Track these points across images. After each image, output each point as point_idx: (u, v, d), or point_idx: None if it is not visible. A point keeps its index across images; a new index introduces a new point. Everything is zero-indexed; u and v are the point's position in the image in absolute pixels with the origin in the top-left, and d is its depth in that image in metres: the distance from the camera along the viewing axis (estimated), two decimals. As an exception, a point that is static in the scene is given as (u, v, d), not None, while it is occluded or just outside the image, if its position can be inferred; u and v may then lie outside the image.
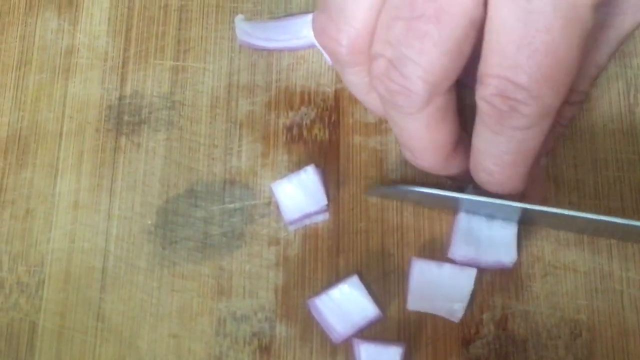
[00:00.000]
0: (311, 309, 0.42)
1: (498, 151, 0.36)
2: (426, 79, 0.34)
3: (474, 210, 0.41)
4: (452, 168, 0.40)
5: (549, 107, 0.33)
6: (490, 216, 0.41)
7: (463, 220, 0.42)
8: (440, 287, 0.41)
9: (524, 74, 0.32)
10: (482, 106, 0.34)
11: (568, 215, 0.39)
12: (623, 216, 0.42)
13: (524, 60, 0.32)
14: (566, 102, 0.36)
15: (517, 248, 0.41)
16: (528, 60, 0.31)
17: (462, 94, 0.38)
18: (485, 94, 0.33)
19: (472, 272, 0.41)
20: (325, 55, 0.47)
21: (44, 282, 0.45)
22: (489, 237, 0.42)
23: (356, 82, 0.39)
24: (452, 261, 0.42)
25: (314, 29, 0.37)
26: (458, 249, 0.42)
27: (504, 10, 0.31)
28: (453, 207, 0.42)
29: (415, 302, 0.41)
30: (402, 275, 0.42)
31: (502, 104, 0.33)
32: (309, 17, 0.48)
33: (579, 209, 0.40)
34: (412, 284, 0.41)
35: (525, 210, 0.39)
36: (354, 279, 0.42)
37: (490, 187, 0.38)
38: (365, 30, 0.35)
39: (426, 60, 0.33)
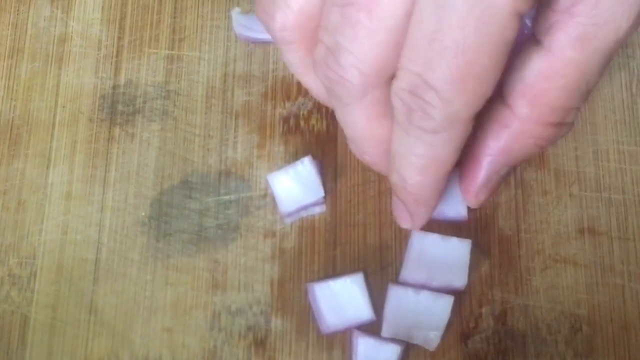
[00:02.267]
0: (309, 294, 0.42)
1: (409, 154, 0.35)
2: (361, 69, 0.33)
3: None
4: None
5: (457, 114, 0.32)
6: None
7: (416, 241, 0.41)
8: (416, 315, 0.40)
9: (434, 72, 0.31)
10: (394, 102, 0.33)
11: None
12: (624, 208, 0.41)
13: (435, 58, 0.30)
14: (551, 122, 0.35)
15: (468, 271, 0.41)
16: (438, 58, 0.30)
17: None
18: (398, 88, 0.32)
19: (449, 300, 0.40)
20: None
21: (35, 274, 0.44)
22: (442, 257, 0.41)
23: (291, 60, 0.38)
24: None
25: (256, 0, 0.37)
26: (409, 273, 0.41)
27: (421, 3, 0.30)
28: None
29: (390, 329, 0.40)
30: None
31: (412, 102, 0.32)
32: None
33: (580, 202, 0.40)
34: (387, 311, 0.40)
35: None
36: (359, 277, 0.41)
37: (404, 195, 0.38)
38: (301, 13, 0.35)
39: (359, 49, 0.32)
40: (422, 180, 0.36)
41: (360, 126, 0.36)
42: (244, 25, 0.47)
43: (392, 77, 0.33)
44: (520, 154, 0.37)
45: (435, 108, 0.32)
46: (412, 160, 0.35)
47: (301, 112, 0.46)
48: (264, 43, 0.47)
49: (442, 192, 0.38)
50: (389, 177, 0.38)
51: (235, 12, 0.48)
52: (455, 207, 0.42)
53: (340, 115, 0.37)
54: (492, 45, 0.30)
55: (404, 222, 0.41)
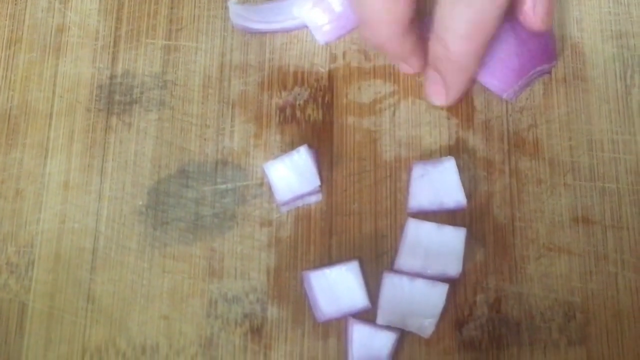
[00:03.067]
0: (304, 282, 0.42)
1: (456, 22, 0.37)
2: None
3: None
4: (406, 48, 0.41)
5: None
6: None
7: (411, 228, 0.41)
8: (411, 303, 0.40)
9: None
10: None
11: None
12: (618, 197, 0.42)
13: None
14: None
15: (463, 259, 0.41)
16: None
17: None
18: None
19: (444, 288, 0.40)
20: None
21: (33, 262, 0.44)
22: (437, 246, 0.41)
23: None
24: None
25: None
26: (404, 261, 0.41)
27: None
28: None
29: (385, 316, 0.41)
30: (395, 257, 0.42)
31: None
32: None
33: (574, 191, 0.40)
34: (382, 299, 0.41)
35: None
36: (354, 265, 0.42)
37: (446, 65, 0.40)
38: None
39: None
40: (467, 47, 0.38)
41: (379, 7, 0.38)
42: (240, 15, 0.47)
43: None
44: None
45: None
46: (459, 28, 0.37)
47: (297, 102, 0.46)
48: (260, 33, 0.47)
49: (481, 60, 0.40)
50: (431, 52, 0.40)
51: (232, 3, 0.48)
52: (455, 197, 0.42)
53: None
54: None
55: (438, 98, 0.43)
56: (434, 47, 0.40)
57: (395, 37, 0.40)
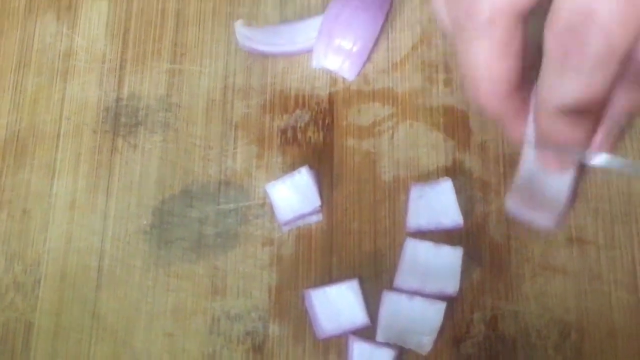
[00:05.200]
0: (305, 300, 0.43)
1: (561, 94, 0.35)
2: None
3: None
4: (510, 111, 0.39)
5: (618, 47, 0.32)
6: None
7: (410, 247, 0.42)
8: (410, 321, 0.41)
9: (598, 6, 0.31)
10: (549, 42, 0.34)
11: None
12: (611, 218, 0.42)
13: None
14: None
15: (460, 278, 0.42)
16: None
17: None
18: (555, 26, 0.33)
19: (442, 306, 0.41)
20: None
21: (40, 281, 0.45)
22: (435, 265, 0.42)
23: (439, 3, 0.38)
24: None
25: None
26: (403, 280, 0.42)
27: None
28: None
29: (385, 334, 0.42)
30: (394, 275, 0.43)
31: (570, 39, 0.32)
32: (308, 22, 0.48)
33: (568, 212, 0.40)
34: (381, 317, 0.42)
35: None
36: (354, 284, 0.42)
37: (552, 136, 0.37)
38: None
39: None
40: (576, 121, 0.36)
41: (481, 63, 0.36)
42: (247, 36, 0.49)
43: (522, 13, 0.34)
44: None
45: (596, 43, 0.32)
46: (567, 101, 0.35)
47: (298, 124, 0.47)
48: (265, 55, 0.49)
49: (594, 131, 0.37)
50: (536, 123, 0.38)
51: (239, 24, 0.49)
52: (452, 217, 0.43)
53: (464, 50, 0.37)
54: None
55: (554, 168, 0.40)
56: (540, 120, 0.37)
57: (498, 99, 0.37)
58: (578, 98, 0.35)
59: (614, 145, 0.40)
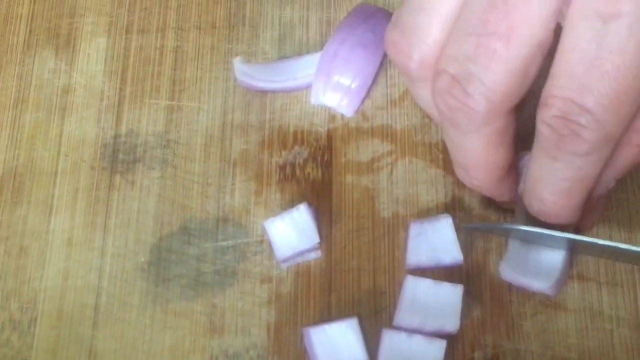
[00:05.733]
0: (304, 338, 0.42)
1: (554, 178, 0.36)
2: (489, 97, 0.34)
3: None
4: (503, 191, 0.40)
5: (611, 135, 0.33)
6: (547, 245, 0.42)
7: (409, 285, 0.42)
8: (409, 359, 0.41)
9: (590, 96, 0.32)
10: (542, 129, 0.34)
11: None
12: (612, 255, 0.42)
13: (592, 82, 0.31)
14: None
15: (460, 316, 0.41)
16: (596, 82, 0.31)
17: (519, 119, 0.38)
18: (548, 115, 0.33)
19: (442, 344, 0.41)
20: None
21: (36, 319, 0.45)
22: (435, 302, 0.42)
23: (424, 96, 0.38)
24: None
25: (386, 43, 0.37)
26: (403, 318, 0.42)
27: (578, 31, 0.32)
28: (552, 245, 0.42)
29: None
30: (394, 313, 0.43)
31: (564, 127, 0.33)
32: (306, 58, 0.49)
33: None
34: (381, 355, 0.41)
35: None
36: (353, 322, 0.42)
37: (543, 216, 0.38)
38: (436, 46, 0.35)
39: (491, 78, 0.33)
40: (567, 204, 0.37)
41: (476, 154, 0.37)
42: (245, 73, 0.49)
43: (515, 106, 0.35)
44: (626, 167, 0.38)
45: (589, 131, 0.32)
46: (558, 185, 0.36)
47: (297, 161, 0.47)
48: (263, 91, 0.49)
49: (582, 209, 0.38)
50: (526, 203, 0.38)
51: (237, 61, 0.49)
52: (452, 254, 0.43)
53: (455, 143, 0.37)
54: None
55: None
56: (531, 201, 0.38)
57: (492, 182, 0.39)
58: (570, 179, 0.35)
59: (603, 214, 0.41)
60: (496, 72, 0.33)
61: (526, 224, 0.41)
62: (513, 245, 0.43)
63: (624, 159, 0.37)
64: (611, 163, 0.36)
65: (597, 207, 0.40)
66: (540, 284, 0.42)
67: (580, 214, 0.38)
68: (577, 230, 0.41)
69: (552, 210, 0.37)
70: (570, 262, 0.43)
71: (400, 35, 0.36)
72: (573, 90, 0.32)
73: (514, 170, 0.40)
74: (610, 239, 0.43)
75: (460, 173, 0.39)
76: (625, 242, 0.42)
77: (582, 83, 0.32)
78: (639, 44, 0.31)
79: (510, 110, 0.35)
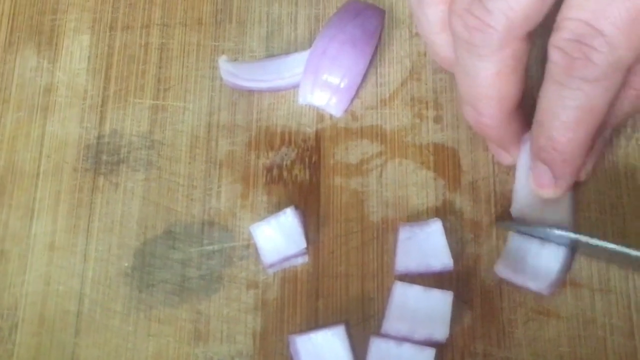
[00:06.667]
0: (290, 346, 0.41)
1: (563, 108, 0.36)
2: (509, 15, 0.34)
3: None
4: (510, 136, 0.40)
5: (622, 60, 0.33)
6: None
7: (398, 292, 0.41)
8: None
9: (605, 19, 0.32)
10: (553, 56, 0.34)
11: None
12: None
13: (607, 5, 0.32)
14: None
15: (450, 323, 0.40)
16: (611, 5, 0.32)
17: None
18: (561, 38, 0.33)
19: (431, 353, 0.40)
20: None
21: (17, 326, 0.44)
22: (424, 310, 0.41)
23: (431, 18, 0.38)
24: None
25: None
26: (391, 325, 0.41)
27: None
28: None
29: None
30: (382, 320, 0.42)
31: (576, 50, 0.33)
32: (294, 57, 0.47)
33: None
34: None
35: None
36: (340, 329, 0.41)
37: (553, 156, 0.38)
38: None
39: None
40: (574, 137, 0.37)
41: (488, 82, 0.37)
42: (231, 72, 0.48)
43: (531, 31, 0.35)
44: (626, 113, 0.38)
45: (601, 54, 0.33)
46: (566, 115, 0.36)
47: (284, 162, 0.46)
48: (250, 91, 0.47)
49: (589, 150, 0.38)
50: (534, 143, 0.38)
51: (222, 60, 0.48)
52: (442, 259, 0.42)
53: (468, 71, 0.37)
54: None
55: (547, 190, 0.40)
56: (537, 136, 0.38)
57: (500, 118, 0.38)
58: (578, 108, 0.35)
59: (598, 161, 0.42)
60: None
61: (525, 224, 0.41)
62: (512, 243, 0.42)
63: (626, 103, 0.37)
64: (611, 108, 0.37)
65: (595, 151, 0.40)
66: (536, 284, 0.41)
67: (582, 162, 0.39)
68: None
69: (559, 145, 0.37)
70: (570, 263, 0.42)
71: None
72: (588, 12, 0.32)
73: (520, 115, 0.39)
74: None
75: (468, 112, 0.39)
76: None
77: (598, 5, 0.32)
78: None
79: (526, 35, 0.35)
